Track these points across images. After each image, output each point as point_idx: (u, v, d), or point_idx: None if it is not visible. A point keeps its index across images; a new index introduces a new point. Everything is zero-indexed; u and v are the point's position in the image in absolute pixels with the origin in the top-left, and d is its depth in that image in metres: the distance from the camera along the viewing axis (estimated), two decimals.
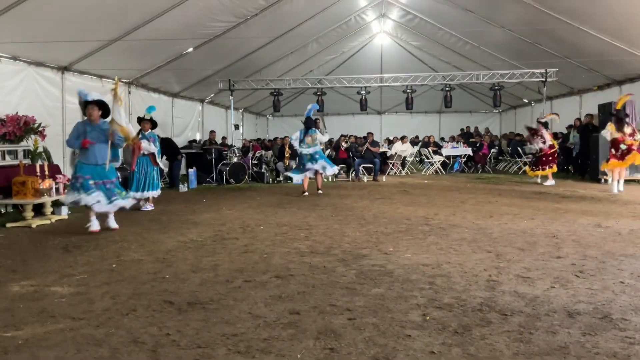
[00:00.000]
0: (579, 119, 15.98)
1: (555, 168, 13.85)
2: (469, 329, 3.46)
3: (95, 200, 7.13)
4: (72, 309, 4.01)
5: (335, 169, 12.76)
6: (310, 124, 11.72)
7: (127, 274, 5.02)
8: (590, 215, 8.14)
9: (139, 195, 9.69)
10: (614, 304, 3.91)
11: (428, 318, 3.68)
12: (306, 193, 11.56)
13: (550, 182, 13.51)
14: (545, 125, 14.09)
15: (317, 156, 11.60)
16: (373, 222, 7.86)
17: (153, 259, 5.69)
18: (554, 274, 4.76)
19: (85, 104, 7.37)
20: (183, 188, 13.31)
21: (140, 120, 10.11)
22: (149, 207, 9.89)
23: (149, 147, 9.81)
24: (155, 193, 10.06)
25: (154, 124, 10.24)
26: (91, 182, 7.15)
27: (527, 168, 14.85)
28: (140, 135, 9.81)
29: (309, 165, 11.57)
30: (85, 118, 7.43)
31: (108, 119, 7.40)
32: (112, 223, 7.56)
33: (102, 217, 7.50)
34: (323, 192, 11.84)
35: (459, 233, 6.87)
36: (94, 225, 7.31)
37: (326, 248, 6.09)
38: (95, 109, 7.24)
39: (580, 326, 3.47)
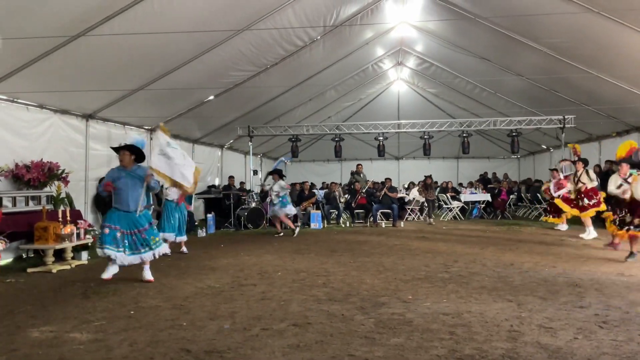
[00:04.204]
0: (598, 166, 15.83)
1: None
2: None
3: (121, 260, 6.81)
4: (90, 356, 4.01)
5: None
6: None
7: (145, 321, 5.02)
8: (613, 264, 7.99)
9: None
10: None
11: None
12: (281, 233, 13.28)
13: (564, 226, 13.46)
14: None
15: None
16: (391, 269, 7.80)
17: (171, 305, 5.69)
18: (577, 325, 4.66)
19: (116, 150, 7.16)
20: (201, 233, 13.38)
21: None
22: (184, 250, 10.04)
23: (175, 193, 9.91)
24: (184, 238, 10.14)
25: None
26: (118, 233, 6.81)
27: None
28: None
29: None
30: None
31: (144, 164, 7.23)
32: (147, 274, 7.15)
33: (137, 266, 7.18)
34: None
35: (479, 281, 6.77)
36: (107, 272, 6.87)
37: (344, 295, 6.04)
38: (126, 154, 7.00)
39: None
